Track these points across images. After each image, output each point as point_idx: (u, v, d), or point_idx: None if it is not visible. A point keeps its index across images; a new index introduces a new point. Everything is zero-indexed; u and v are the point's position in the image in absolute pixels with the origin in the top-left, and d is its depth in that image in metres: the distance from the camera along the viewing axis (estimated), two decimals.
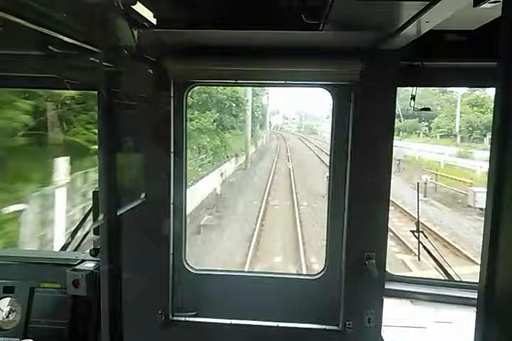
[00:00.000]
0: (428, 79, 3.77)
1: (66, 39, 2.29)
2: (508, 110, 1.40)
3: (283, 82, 3.76)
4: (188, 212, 4.11)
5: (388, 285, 4.07)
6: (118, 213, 3.61)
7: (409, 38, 3.02)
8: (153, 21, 2.92)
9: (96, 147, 3.77)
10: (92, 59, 2.57)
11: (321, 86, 3.79)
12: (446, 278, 4.51)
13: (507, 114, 1.41)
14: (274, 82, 3.84)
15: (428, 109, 4.23)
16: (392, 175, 3.63)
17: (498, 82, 1.45)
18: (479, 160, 27.12)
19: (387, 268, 3.92)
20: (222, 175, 23.07)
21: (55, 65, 2.69)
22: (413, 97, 3.90)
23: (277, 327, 3.81)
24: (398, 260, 12.78)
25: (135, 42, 2.96)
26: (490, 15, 2.87)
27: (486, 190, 1.49)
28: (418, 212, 4.78)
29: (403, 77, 3.59)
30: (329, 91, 3.76)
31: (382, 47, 3.32)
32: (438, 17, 2.52)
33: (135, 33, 2.95)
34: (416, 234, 4.45)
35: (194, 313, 3.91)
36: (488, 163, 1.47)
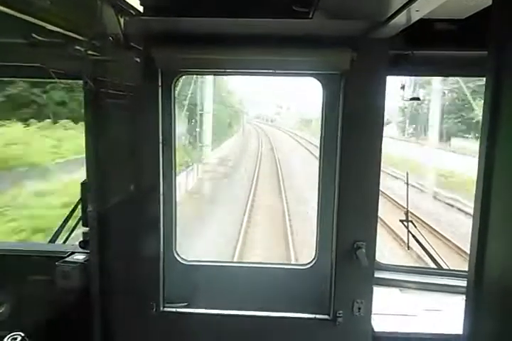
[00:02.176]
0: (418, 69, 3.77)
1: (51, 27, 2.23)
2: (498, 98, 1.41)
3: (272, 71, 3.73)
4: None
5: (377, 274, 4.11)
6: (107, 204, 3.59)
7: (399, 26, 3.00)
8: (140, 9, 2.87)
9: None
10: (77, 47, 2.52)
11: (311, 75, 3.76)
12: (435, 267, 4.57)
13: (497, 102, 1.41)
14: (264, 70, 3.81)
15: (418, 99, 4.23)
16: None
17: (488, 70, 1.45)
18: None
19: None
20: None
21: (40, 54, 2.63)
22: (403, 87, 3.90)
23: (268, 316, 3.83)
24: None
25: (121, 30, 2.91)
26: (480, 4, 2.87)
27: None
28: (407, 201, 4.81)
29: (393, 66, 3.59)
30: (319, 81, 3.74)
31: (372, 36, 3.30)
32: (428, 6, 2.50)
33: (121, 20, 2.89)
34: (405, 223, 4.49)
35: (185, 304, 3.91)
36: None
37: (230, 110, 26.39)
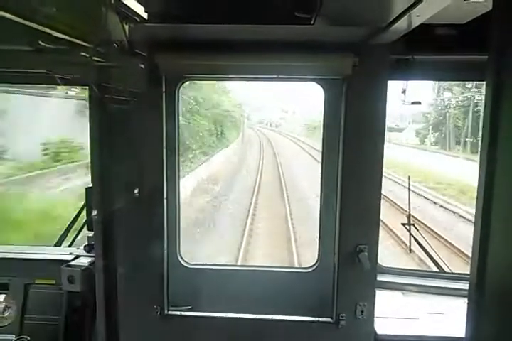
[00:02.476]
0: (419, 73, 3.79)
1: (56, 34, 2.27)
2: (499, 102, 1.42)
3: (275, 76, 3.76)
4: None
5: (380, 277, 4.11)
6: (111, 209, 3.62)
7: (400, 32, 3.03)
8: (145, 16, 2.90)
9: None
10: (82, 54, 2.55)
11: (313, 80, 3.80)
12: (438, 270, 4.57)
13: (497, 106, 1.43)
14: (266, 76, 3.84)
15: (419, 103, 4.25)
16: None
17: (488, 75, 1.47)
18: None
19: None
20: None
21: (46, 61, 2.66)
22: (404, 91, 3.92)
23: (271, 319, 3.84)
24: None
25: (126, 37, 2.94)
26: (480, 9, 2.89)
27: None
28: (409, 205, 4.82)
29: (394, 71, 3.61)
30: (321, 86, 3.77)
31: (374, 42, 3.32)
32: (429, 11, 2.53)
33: (126, 27, 2.92)
34: (407, 226, 4.50)
35: (189, 307, 3.93)
36: None
37: (224, 115, 22.10)
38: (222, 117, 21.51)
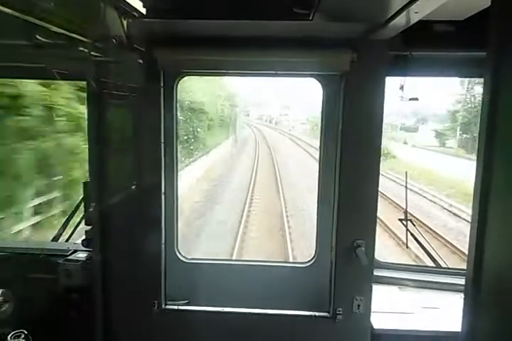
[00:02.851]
0: (417, 70, 3.79)
1: (55, 29, 2.27)
2: (497, 99, 1.42)
3: (273, 72, 3.76)
4: None
5: (376, 272, 4.14)
6: (109, 203, 3.62)
7: (399, 28, 3.03)
8: (143, 11, 2.90)
9: None
10: (81, 49, 2.56)
11: (311, 76, 3.80)
12: (434, 265, 4.60)
13: (495, 103, 1.44)
14: (265, 72, 3.84)
15: (416, 99, 4.25)
16: None
17: (486, 71, 1.47)
18: None
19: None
20: None
21: (44, 55, 2.66)
22: (401, 87, 3.93)
23: (268, 314, 3.87)
24: None
25: (124, 32, 2.94)
26: (479, 5, 2.90)
27: None
28: (406, 200, 4.84)
29: (393, 67, 3.62)
30: (319, 82, 3.77)
31: (372, 38, 3.32)
32: (427, 7, 2.53)
33: (124, 22, 2.92)
34: (404, 222, 4.52)
35: (186, 302, 3.95)
36: None
37: (202, 111, 17.90)
38: (197, 114, 17.44)
